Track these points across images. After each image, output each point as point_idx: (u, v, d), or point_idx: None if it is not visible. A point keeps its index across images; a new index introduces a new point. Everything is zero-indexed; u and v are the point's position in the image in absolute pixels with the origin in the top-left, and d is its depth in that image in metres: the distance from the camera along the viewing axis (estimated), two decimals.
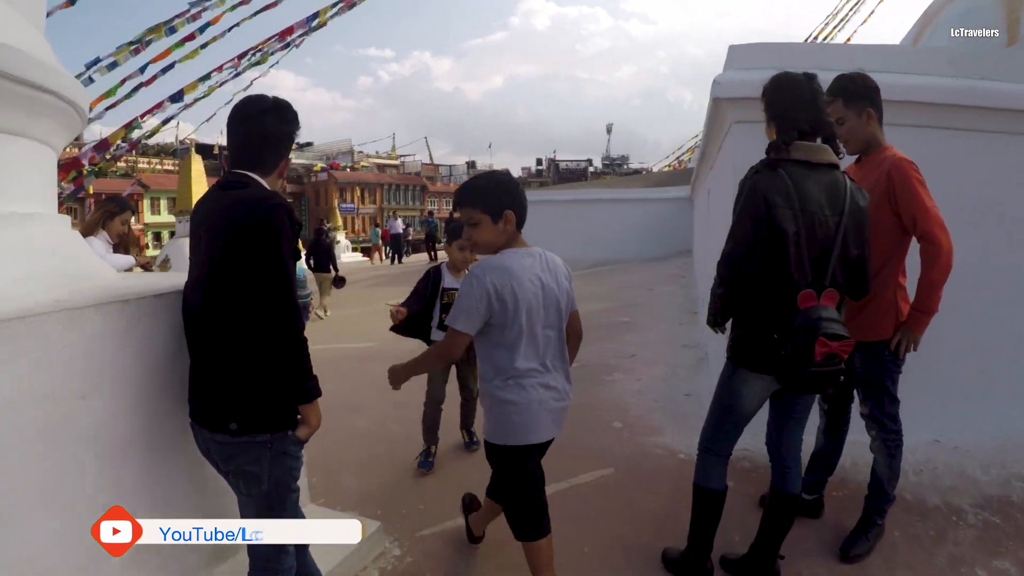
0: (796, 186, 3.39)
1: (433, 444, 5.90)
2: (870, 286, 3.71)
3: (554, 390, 3.47)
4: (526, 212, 3.59)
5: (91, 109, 20.12)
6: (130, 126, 19.57)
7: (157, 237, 72.17)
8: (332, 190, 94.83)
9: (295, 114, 3.10)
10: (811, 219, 3.40)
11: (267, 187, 2.99)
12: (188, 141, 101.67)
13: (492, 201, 3.47)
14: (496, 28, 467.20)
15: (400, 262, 33.65)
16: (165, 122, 21.24)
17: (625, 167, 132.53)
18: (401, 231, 35.47)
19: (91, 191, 23.55)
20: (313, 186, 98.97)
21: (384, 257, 40.95)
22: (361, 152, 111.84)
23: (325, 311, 16.74)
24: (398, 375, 3.68)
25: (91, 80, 19.47)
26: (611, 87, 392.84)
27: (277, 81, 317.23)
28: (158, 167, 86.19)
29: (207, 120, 24.44)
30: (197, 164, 56.17)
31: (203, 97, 21.40)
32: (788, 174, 3.41)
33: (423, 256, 34.51)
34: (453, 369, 6.00)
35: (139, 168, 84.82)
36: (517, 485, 3.55)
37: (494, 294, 3.27)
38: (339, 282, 16.19)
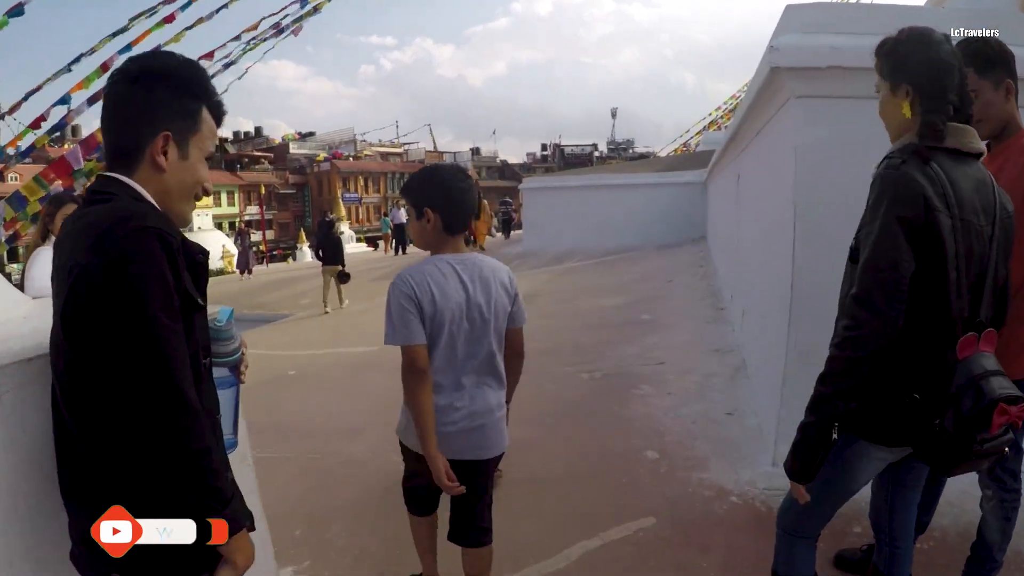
0: (952, 185, 2.38)
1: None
2: (1006, 315, 2.74)
3: (463, 411, 3.18)
4: (462, 213, 3.25)
5: (69, 97, 19.33)
6: None
7: None
8: (335, 180, 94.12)
9: (184, 77, 2.05)
10: (968, 230, 2.40)
11: (137, 196, 1.97)
12: None
13: (414, 196, 3.28)
14: (498, 14, 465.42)
15: (404, 252, 32.69)
16: None
17: (631, 151, 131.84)
18: (404, 221, 34.40)
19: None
20: (316, 176, 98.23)
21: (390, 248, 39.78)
22: (364, 141, 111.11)
23: (341, 301, 16.70)
24: (431, 458, 3.13)
25: (69, 70, 18.43)
26: (614, 71, 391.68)
27: (277, 71, 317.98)
28: None
29: None
30: None
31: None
32: (941, 168, 2.40)
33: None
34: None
35: None
36: (406, 490, 3.66)
37: (414, 301, 3.09)
38: (344, 277, 16.35)
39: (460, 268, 3.19)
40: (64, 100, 19.16)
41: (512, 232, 37.34)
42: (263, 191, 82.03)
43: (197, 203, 2.35)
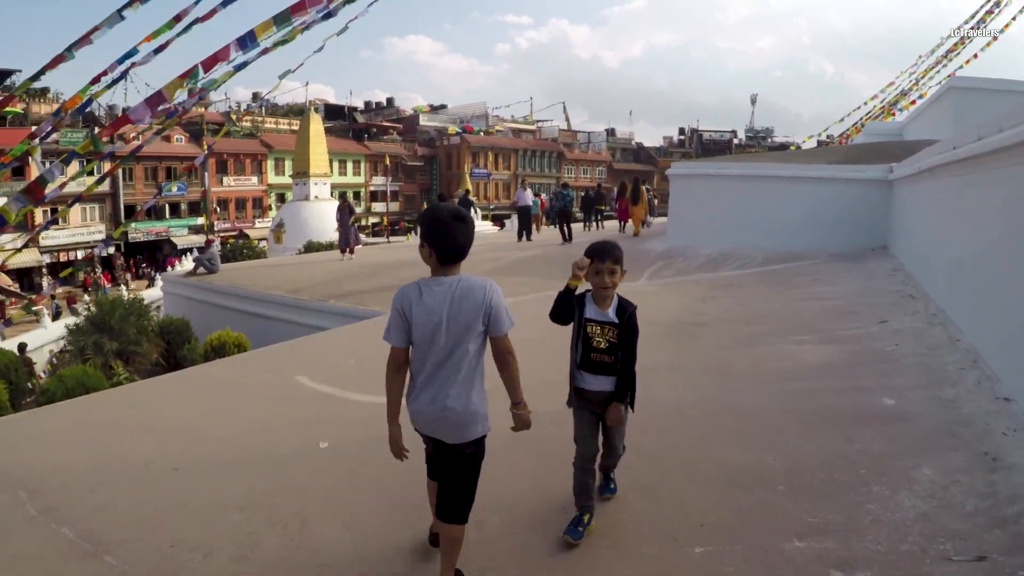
0: None
1: (588, 513, 4.60)
2: None
3: (427, 397, 3.89)
4: (456, 248, 3.86)
5: (136, 51, 16.36)
6: (189, 75, 15.38)
7: (281, 198, 69.63)
8: (465, 154, 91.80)
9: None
10: None
11: None
12: (318, 102, 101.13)
13: (420, 229, 4.01)
14: None
15: (529, 239, 28.78)
16: (238, 68, 16.90)
17: (770, 140, 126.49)
18: (530, 202, 30.55)
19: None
20: (446, 150, 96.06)
21: (540, 228, 35.03)
22: (496, 116, 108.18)
23: None
24: (390, 429, 4.06)
25: (121, 18, 15.34)
26: (751, 57, 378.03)
27: (414, 46, 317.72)
28: (284, 127, 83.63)
29: (292, 71, 18.95)
30: (316, 124, 54.06)
31: (284, 42, 17.01)
32: None
33: (553, 234, 29.69)
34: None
35: (264, 128, 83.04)
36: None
37: (401, 312, 3.87)
38: None
39: (440, 290, 3.82)
40: (130, 53, 16.24)
41: (644, 222, 33.20)
42: (388, 162, 79.70)
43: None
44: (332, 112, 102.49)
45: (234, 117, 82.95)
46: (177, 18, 16.28)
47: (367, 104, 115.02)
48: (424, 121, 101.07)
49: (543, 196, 40.14)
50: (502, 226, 60.17)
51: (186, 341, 18.92)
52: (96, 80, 16.15)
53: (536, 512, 4.96)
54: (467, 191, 56.43)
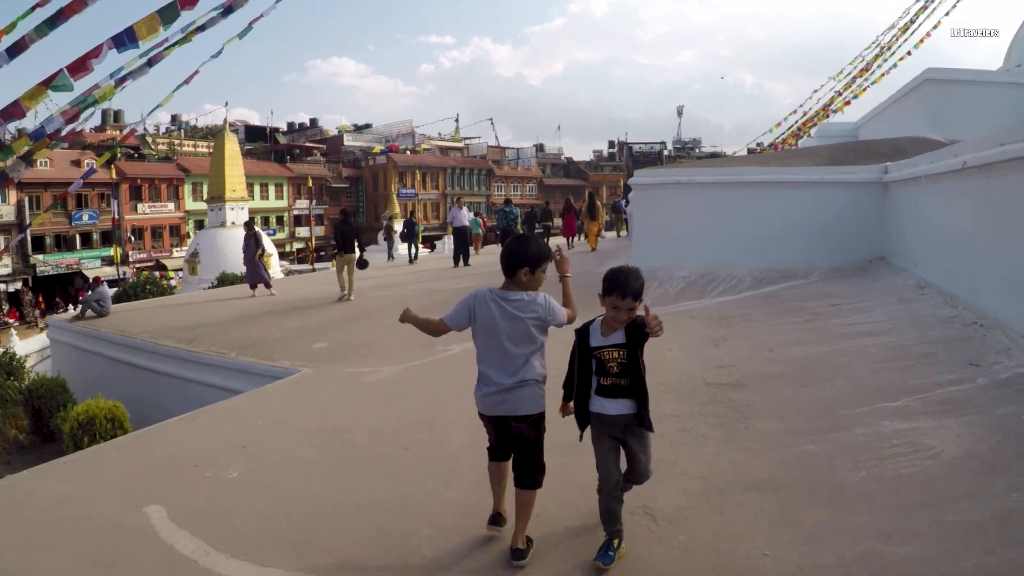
0: None
1: (617, 537, 4.61)
2: None
3: (490, 383, 4.65)
4: (506, 265, 4.68)
5: None
6: (52, 81, 12.02)
7: (200, 225, 65.34)
8: (391, 174, 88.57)
9: None
10: None
11: None
12: (238, 123, 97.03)
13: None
14: (555, 14, 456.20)
15: (467, 264, 25.61)
16: (119, 80, 13.56)
17: (697, 151, 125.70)
18: (467, 222, 27.26)
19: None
20: (371, 170, 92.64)
21: (479, 250, 33.16)
22: (423, 135, 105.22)
23: (350, 291, 18.38)
24: (409, 316, 4.90)
25: None
26: (672, 71, 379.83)
27: (338, 68, 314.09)
28: (203, 149, 79.28)
29: (187, 82, 15.34)
30: (232, 144, 49.82)
31: (174, 45, 13.74)
32: None
33: (494, 257, 26.55)
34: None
35: (181, 151, 78.87)
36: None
37: (473, 308, 4.69)
38: (362, 264, 18.71)
39: (500, 300, 4.61)
40: None
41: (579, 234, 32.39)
42: (310, 184, 75.99)
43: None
44: (253, 134, 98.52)
45: (149, 140, 79.02)
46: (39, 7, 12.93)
47: (290, 125, 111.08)
48: (348, 141, 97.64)
49: (483, 216, 37.05)
50: (432, 247, 57.05)
51: (61, 407, 15.37)
52: None
53: (564, 536, 4.94)
54: (391, 214, 53.25)
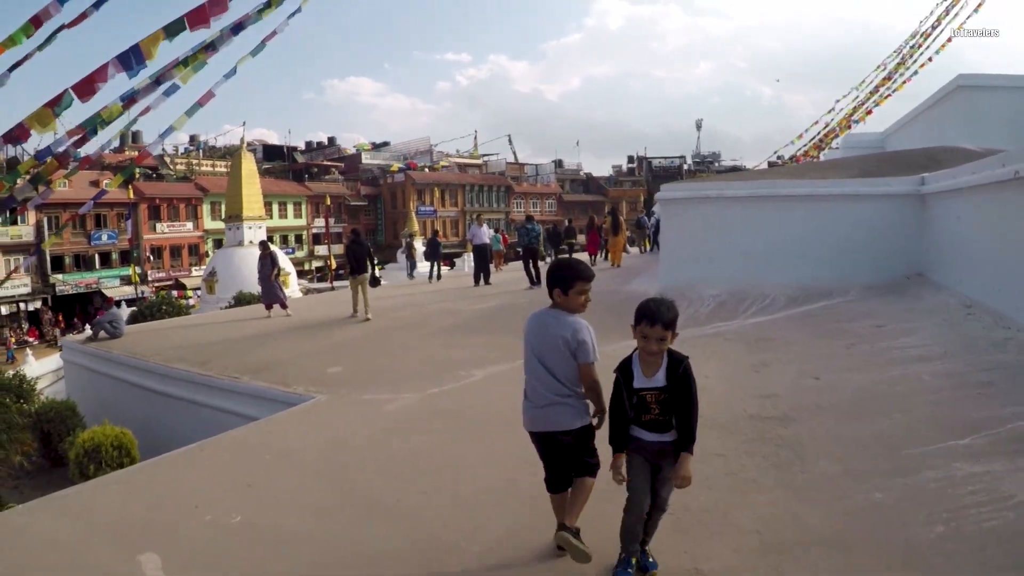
0: None
1: (635, 555, 4.62)
2: None
3: (530, 399, 4.82)
4: (547, 286, 4.84)
5: None
6: (58, 102, 11.57)
7: (219, 244, 65.06)
8: (410, 192, 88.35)
9: None
10: None
11: None
12: (256, 143, 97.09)
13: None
14: (571, 30, 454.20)
15: (488, 283, 25.00)
16: (127, 103, 13.10)
17: (717, 164, 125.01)
18: (487, 240, 26.66)
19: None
20: (389, 187, 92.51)
21: (501, 265, 33.46)
22: (441, 152, 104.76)
23: (366, 310, 18.17)
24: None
25: None
26: (689, 84, 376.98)
27: (355, 87, 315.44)
28: (221, 169, 79.06)
29: (201, 105, 14.82)
30: (249, 162, 49.53)
31: (188, 63, 13.28)
32: None
33: (516, 275, 26.01)
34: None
35: (200, 171, 78.80)
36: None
37: (525, 333, 4.87)
38: (374, 282, 18.81)
39: (542, 317, 4.82)
40: None
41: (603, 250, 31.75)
42: (328, 202, 75.71)
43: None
44: (271, 153, 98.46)
45: (167, 160, 79.12)
46: (35, 21, 12.46)
47: (308, 144, 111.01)
48: (367, 159, 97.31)
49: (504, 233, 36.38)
50: (452, 265, 56.51)
51: (70, 431, 14.87)
52: None
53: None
54: (410, 232, 53.05)
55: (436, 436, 8.15)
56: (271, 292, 20.59)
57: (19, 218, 55.33)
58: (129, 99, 13.17)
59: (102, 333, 18.65)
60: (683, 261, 17.27)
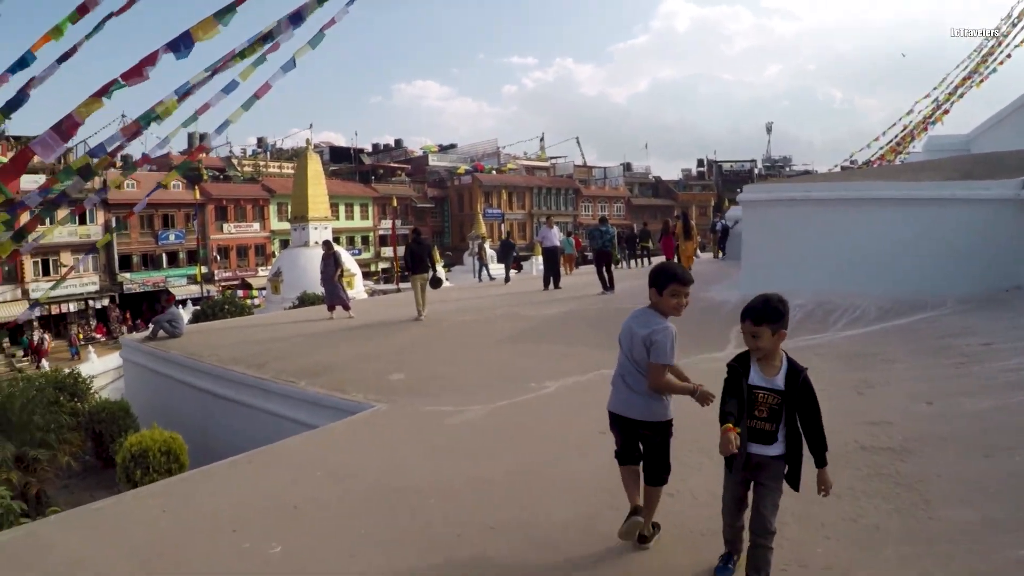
0: None
1: (736, 552, 4.58)
2: None
3: (617, 389, 5.02)
4: (649, 286, 4.85)
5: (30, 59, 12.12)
6: (107, 89, 11.05)
7: (285, 245, 65.31)
8: (477, 194, 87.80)
9: None
10: None
11: None
12: (322, 144, 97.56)
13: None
14: (637, 32, 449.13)
15: (558, 287, 24.10)
16: (183, 97, 12.57)
17: (788, 169, 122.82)
18: (557, 242, 25.68)
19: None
20: (456, 190, 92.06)
21: (572, 269, 32.60)
22: (508, 154, 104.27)
23: (423, 307, 18.00)
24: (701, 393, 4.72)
25: None
26: (758, 88, 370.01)
27: (422, 91, 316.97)
28: (288, 171, 79.45)
29: (258, 97, 14.13)
30: (315, 163, 49.28)
31: (241, 56, 12.71)
32: None
33: (587, 279, 25.18)
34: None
35: (267, 172, 79.29)
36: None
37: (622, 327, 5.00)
38: (436, 283, 18.69)
39: (637, 315, 4.93)
40: (24, 62, 11.87)
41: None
42: (395, 203, 75.51)
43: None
44: (338, 155, 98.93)
45: (234, 162, 79.81)
46: (82, 9, 11.96)
47: (375, 146, 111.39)
48: (433, 161, 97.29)
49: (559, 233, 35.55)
50: (520, 268, 55.77)
51: (122, 432, 14.42)
52: None
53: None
54: (477, 235, 52.70)
55: (504, 458, 7.38)
56: (334, 293, 20.05)
57: (87, 217, 55.90)
58: (185, 94, 12.63)
59: (161, 332, 18.27)
60: (765, 268, 16.30)
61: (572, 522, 5.45)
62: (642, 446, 4.95)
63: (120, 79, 10.90)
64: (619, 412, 4.95)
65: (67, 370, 19.50)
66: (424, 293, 18.14)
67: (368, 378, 12.00)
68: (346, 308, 19.95)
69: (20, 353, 48.69)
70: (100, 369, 25.92)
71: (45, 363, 30.98)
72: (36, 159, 11.40)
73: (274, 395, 12.62)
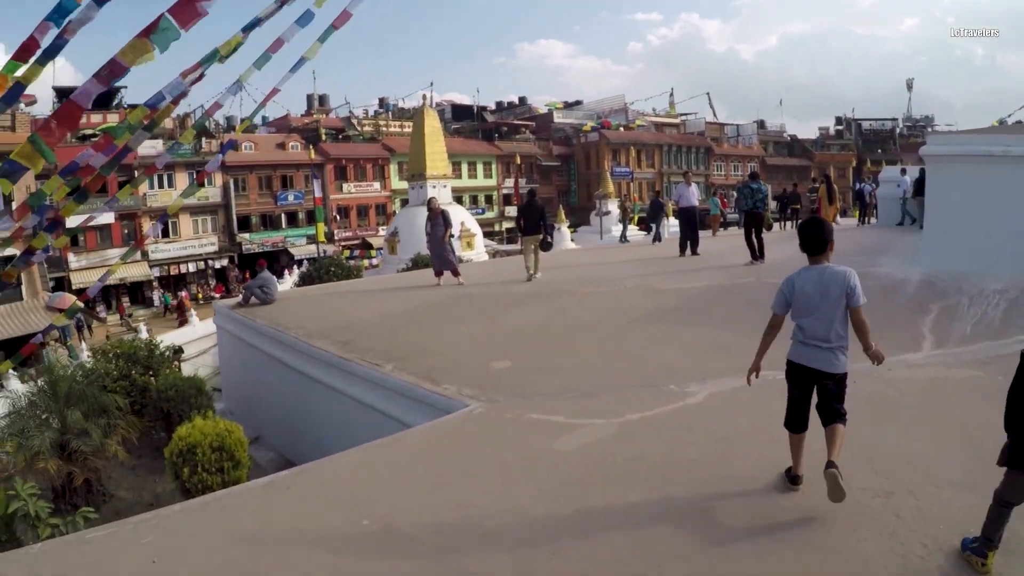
0: None
1: (991, 549, 4.35)
2: None
3: (810, 341, 5.21)
4: (815, 245, 5.28)
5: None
6: (154, 28, 9.04)
7: (405, 204, 64.14)
8: (604, 152, 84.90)
9: None
10: None
11: None
12: (444, 103, 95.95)
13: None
14: None
15: (696, 252, 21.23)
16: (247, 29, 10.57)
17: (930, 129, 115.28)
18: (695, 202, 22.45)
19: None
20: (583, 147, 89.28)
21: (716, 232, 31.01)
22: (636, 111, 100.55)
23: (535, 271, 17.79)
24: (754, 365, 5.61)
25: None
26: (893, 42, 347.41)
27: (545, 50, 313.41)
28: (409, 130, 78.31)
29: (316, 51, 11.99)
30: (432, 120, 47.17)
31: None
32: None
33: (729, 244, 22.36)
34: None
35: (387, 132, 78.16)
36: (789, 390, 5.46)
37: (788, 288, 5.31)
38: (545, 245, 18.42)
39: (812, 274, 5.23)
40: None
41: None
42: (519, 162, 73.23)
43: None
44: (460, 112, 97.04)
45: (355, 122, 79.05)
46: None
47: (498, 104, 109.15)
48: (558, 118, 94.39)
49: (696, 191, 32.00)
50: (649, 230, 52.78)
51: (195, 410, 12.64)
52: (21, 55, 9.59)
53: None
54: (604, 193, 50.30)
55: (637, 512, 5.05)
56: (443, 257, 17.83)
57: (206, 180, 55.83)
58: (251, 27, 10.63)
59: (252, 299, 16.44)
60: (952, 240, 13.30)
61: None
62: (818, 397, 5.33)
63: (167, 15, 8.83)
64: (812, 365, 5.22)
65: (135, 338, 18.00)
66: (537, 254, 18.00)
67: (467, 363, 9.92)
68: (455, 274, 17.70)
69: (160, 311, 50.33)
70: (202, 332, 24.59)
71: (194, 315, 29.81)
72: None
73: (357, 378, 10.68)
